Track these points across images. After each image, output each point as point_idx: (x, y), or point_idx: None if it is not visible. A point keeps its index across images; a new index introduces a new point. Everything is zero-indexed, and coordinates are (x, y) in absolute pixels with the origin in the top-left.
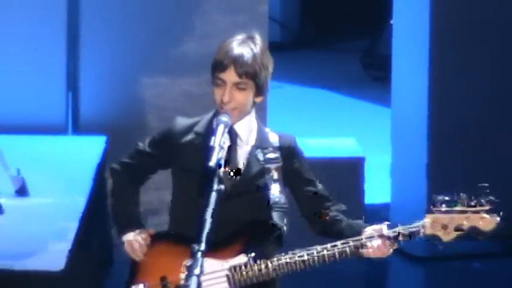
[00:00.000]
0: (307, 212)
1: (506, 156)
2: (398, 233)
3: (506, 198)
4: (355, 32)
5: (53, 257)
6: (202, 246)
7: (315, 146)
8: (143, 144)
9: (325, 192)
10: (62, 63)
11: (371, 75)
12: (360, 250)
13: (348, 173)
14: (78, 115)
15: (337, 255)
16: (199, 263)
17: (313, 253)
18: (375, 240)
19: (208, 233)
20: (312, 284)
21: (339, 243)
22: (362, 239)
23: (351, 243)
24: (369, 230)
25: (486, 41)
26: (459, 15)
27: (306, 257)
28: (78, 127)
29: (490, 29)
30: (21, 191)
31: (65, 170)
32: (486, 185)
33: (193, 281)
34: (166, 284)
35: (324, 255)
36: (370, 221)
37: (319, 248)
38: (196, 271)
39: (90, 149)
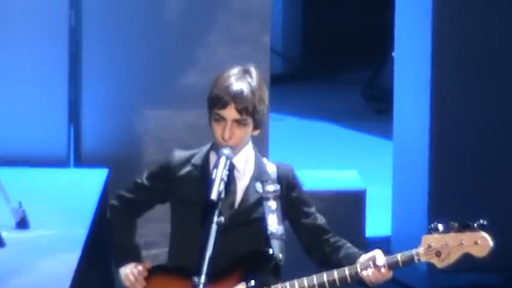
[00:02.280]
0: (306, 244)
1: (509, 191)
2: (394, 259)
3: (508, 231)
4: (357, 64)
5: None
6: (203, 279)
7: (317, 178)
8: (141, 179)
9: (324, 224)
10: (64, 95)
11: (373, 108)
12: (360, 274)
13: (349, 205)
14: (79, 148)
15: (337, 281)
16: None
17: (313, 279)
18: (369, 269)
19: (208, 265)
20: None
21: (335, 272)
22: (357, 268)
23: (347, 272)
24: (363, 258)
25: (489, 73)
26: (461, 46)
27: (306, 285)
28: (80, 160)
29: (493, 60)
30: (22, 224)
31: (66, 202)
32: (485, 222)
33: None
34: None
35: (323, 282)
36: None
37: (315, 276)
38: None
39: (91, 182)
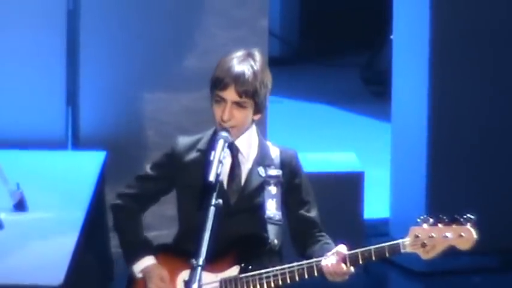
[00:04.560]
0: (293, 232)
1: (509, 172)
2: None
3: (505, 214)
4: (355, 47)
5: (52, 272)
6: (201, 261)
7: (315, 160)
8: (144, 172)
9: (316, 218)
10: (62, 78)
11: (371, 90)
12: (323, 266)
13: (347, 187)
14: (77, 130)
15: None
16: (197, 278)
17: (284, 269)
18: (329, 258)
19: (207, 248)
20: None
21: (303, 262)
22: (320, 260)
23: (313, 263)
24: (329, 252)
25: (487, 55)
26: (459, 29)
27: (293, 269)
28: (78, 142)
29: (491, 42)
30: (20, 206)
31: (64, 184)
32: (472, 216)
33: None
34: None
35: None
36: (370, 235)
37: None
38: (195, 286)
39: (89, 164)
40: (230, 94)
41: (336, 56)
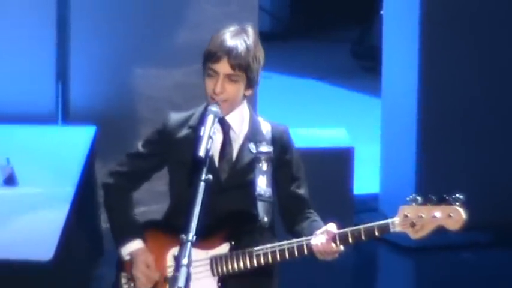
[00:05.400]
0: (282, 209)
1: (496, 146)
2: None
3: (496, 188)
4: (345, 22)
5: (42, 247)
6: (191, 236)
7: (305, 136)
8: (135, 149)
9: (305, 195)
10: (52, 53)
11: (361, 66)
12: (313, 245)
13: (337, 163)
14: (67, 105)
15: (295, 251)
16: (187, 253)
17: (274, 247)
18: (319, 237)
19: (197, 223)
20: (301, 274)
21: (293, 241)
22: (310, 238)
23: (303, 242)
24: (319, 230)
25: (476, 31)
26: (450, 5)
27: (284, 248)
28: (68, 117)
29: (481, 19)
30: (10, 180)
31: (54, 159)
32: (461, 196)
33: (183, 272)
34: None
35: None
36: (360, 211)
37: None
38: (185, 261)
39: (79, 139)
40: (223, 67)
41: (326, 31)
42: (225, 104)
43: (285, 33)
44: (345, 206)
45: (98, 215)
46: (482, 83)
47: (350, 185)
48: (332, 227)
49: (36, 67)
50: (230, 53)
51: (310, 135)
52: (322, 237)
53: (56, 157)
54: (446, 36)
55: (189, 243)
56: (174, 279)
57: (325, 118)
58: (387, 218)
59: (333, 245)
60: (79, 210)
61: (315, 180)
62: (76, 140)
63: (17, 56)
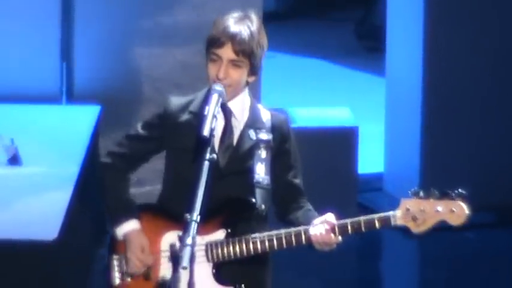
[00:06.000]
0: (277, 196)
1: (500, 127)
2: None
3: (500, 169)
4: (349, 2)
5: (46, 226)
6: (195, 216)
7: (309, 115)
8: (134, 131)
9: (300, 185)
10: (56, 33)
11: (365, 45)
12: (311, 234)
13: (341, 142)
14: (72, 85)
15: (293, 239)
16: (191, 233)
17: (281, 234)
18: (318, 227)
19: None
20: (303, 258)
21: (291, 229)
22: (309, 227)
23: (301, 231)
24: (317, 220)
25: (481, 9)
26: None
27: (281, 236)
28: (72, 97)
29: None
30: (14, 160)
31: (58, 139)
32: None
33: (187, 251)
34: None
35: (287, 237)
36: (364, 190)
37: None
38: (189, 241)
39: (83, 119)
40: (226, 52)
41: (330, 11)
42: (229, 89)
43: (289, 12)
44: (349, 186)
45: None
46: (488, 62)
47: (354, 164)
48: (331, 217)
49: (41, 47)
50: (234, 38)
51: (314, 114)
52: (322, 227)
53: (60, 137)
54: (451, 14)
55: (194, 223)
56: (179, 259)
57: (329, 97)
58: (392, 197)
59: (332, 235)
60: (83, 190)
61: (320, 159)
62: (80, 120)
63: (22, 37)
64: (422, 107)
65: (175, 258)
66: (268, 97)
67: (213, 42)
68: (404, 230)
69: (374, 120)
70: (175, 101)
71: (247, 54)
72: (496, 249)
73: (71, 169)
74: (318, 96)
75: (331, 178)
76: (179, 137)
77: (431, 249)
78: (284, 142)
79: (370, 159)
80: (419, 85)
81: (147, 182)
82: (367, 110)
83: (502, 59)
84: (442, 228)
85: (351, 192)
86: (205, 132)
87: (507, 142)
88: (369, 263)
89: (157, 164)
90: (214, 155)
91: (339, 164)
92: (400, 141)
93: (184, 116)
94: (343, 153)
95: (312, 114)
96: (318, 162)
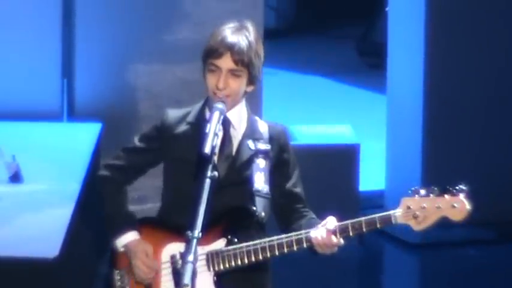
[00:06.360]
0: (277, 207)
1: (500, 144)
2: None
3: (500, 186)
4: (351, 19)
5: (48, 244)
6: (197, 233)
7: (310, 132)
8: (132, 144)
9: (301, 194)
10: (57, 50)
11: (366, 62)
12: (312, 237)
13: (342, 159)
14: (73, 102)
15: (294, 244)
16: (193, 250)
17: (272, 240)
18: (319, 230)
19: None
20: (306, 269)
21: (292, 234)
22: (310, 231)
23: (303, 235)
24: (319, 225)
25: (482, 28)
26: (454, 2)
27: (282, 241)
28: (73, 114)
29: (486, 16)
30: (16, 178)
31: (59, 156)
32: (464, 187)
33: (188, 268)
34: None
35: (282, 243)
36: (365, 208)
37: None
38: (190, 258)
39: (84, 136)
40: (225, 62)
41: (331, 28)
42: (228, 99)
43: (290, 29)
44: (350, 203)
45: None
46: (488, 79)
47: (356, 181)
48: (332, 220)
49: (42, 64)
50: (232, 48)
51: (315, 131)
52: (323, 229)
53: (61, 154)
54: (452, 33)
55: (195, 240)
56: (180, 275)
57: (330, 115)
58: (395, 210)
59: (333, 237)
60: (84, 207)
61: (321, 176)
62: (81, 137)
63: (23, 54)
64: (424, 124)
65: (176, 271)
66: (269, 114)
67: (212, 53)
68: (405, 244)
69: (375, 138)
70: (173, 113)
71: (245, 63)
72: (497, 266)
73: (72, 186)
74: (319, 113)
75: (332, 195)
76: (177, 147)
77: (432, 265)
78: (282, 152)
79: (371, 176)
80: (421, 102)
81: (148, 199)
82: (368, 127)
83: (504, 76)
84: (443, 244)
85: (352, 209)
86: (207, 150)
87: (509, 160)
88: (369, 277)
89: (158, 181)
90: (216, 173)
91: (340, 181)
92: (401, 158)
93: (182, 127)
94: (344, 170)
95: (313, 131)
96: (319, 179)
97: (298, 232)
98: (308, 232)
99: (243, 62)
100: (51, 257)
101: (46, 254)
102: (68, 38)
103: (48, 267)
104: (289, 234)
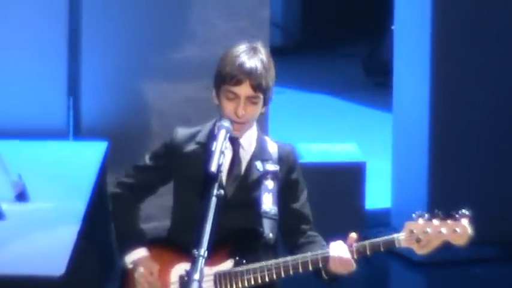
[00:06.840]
0: (284, 228)
1: (508, 162)
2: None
3: (507, 204)
4: (357, 37)
5: (54, 262)
6: (203, 252)
7: (316, 151)
8: (142, 162)
9: (308, 215)
10: (64, 68)
11: (372, 81)
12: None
13: (348, 178)
14: (79, 120)
15: (309, 264)
16: (199, 268)
17: (286, 259)
18: (337, 246)
19: (208, 238)
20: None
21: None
22: (328, 251)
23: (318, 256)
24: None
25: (488, 46)
26: (461, 20)
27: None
28: (79, 132)
29: (493, 34)
30: (22, 196)
31: (65, 175)
32: (467, 212)
33: (194, 287)
34: None
35: (297, 264)
36: (371, 226)
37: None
38: (196, 276)
39: (91, 154)
40: (245, 89)
41: (337, 46)
42: (245, 125)
43: (296, 48)
44: (356, 221)
45: (109, 230)
46: (495, 97)
47: (362, 199)
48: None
49: (48, 83)
50: (251, 75)
51: (321, 150)
52: (341, 245)
53: (67, 172)
54: (459, 50)
55: (201, 258)
56: None
57: (336, 133)
58: (399, 233)
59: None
60: (91, 226)
61: (327, 195)
62: (88, 155)
63: (29, 71)
64: (430, 142)
65: None
66: (276, 132)
67: (229, 80)
68: (410, 262)
69: (381, 156)
70: (182, 131)
71: (263, 89)
72: (502, 284)
73: (78, 205)
74: (325, 131)
75: (338, 213)
76: (186, 167)
77: (438, 283)
78: (291, 173)
79: (377, 194)
80: (427, 121)
81: (155, 218)
82: (374, 145)
83: (511, 95)
84: (448, 262)
85: (358, 227)
86: (213, 168)
87: None
88: None
89: (164, 200)
90: (222, 191)
91: (346, 199)
92: (407, 177)
93: (191, 146)
94: (350, 188)
95: (319, 149)
96: (325, 198)
97: (304, 255)
98: (322, 252)
99: (261, 87)
100: (57, 275)
101: (52, 272)
102: (74, 56)
103: (54, 285)
104: (295, 257)
